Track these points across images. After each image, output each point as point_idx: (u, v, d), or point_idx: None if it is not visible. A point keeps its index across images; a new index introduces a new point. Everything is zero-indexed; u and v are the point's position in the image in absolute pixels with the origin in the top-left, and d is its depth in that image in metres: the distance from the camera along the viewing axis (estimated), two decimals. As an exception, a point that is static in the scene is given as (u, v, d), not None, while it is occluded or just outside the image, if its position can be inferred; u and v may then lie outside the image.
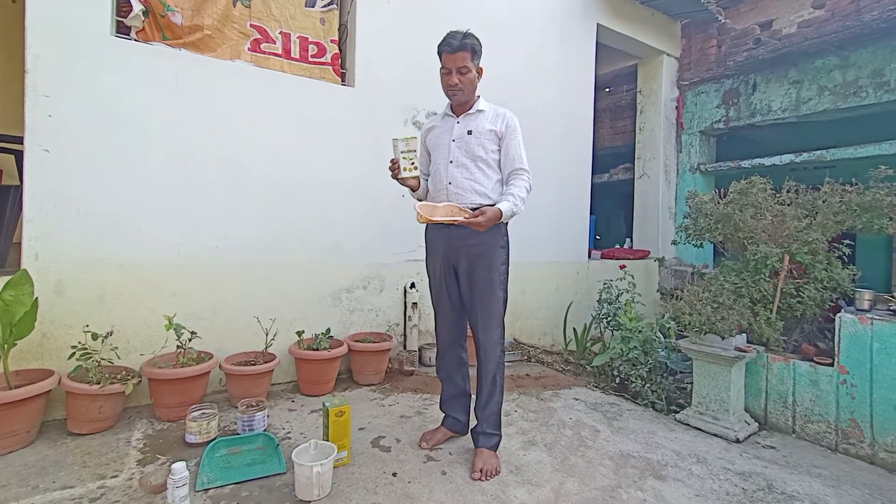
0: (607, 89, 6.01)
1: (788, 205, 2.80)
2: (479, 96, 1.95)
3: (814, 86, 3.87)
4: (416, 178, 1.88)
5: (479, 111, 1.92)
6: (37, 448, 1.87)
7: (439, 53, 1.86)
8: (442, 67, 1.87)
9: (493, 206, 1.78)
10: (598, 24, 4.26)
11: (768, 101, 4.17)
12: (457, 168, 1.88)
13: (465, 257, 1.88)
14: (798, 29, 4.04)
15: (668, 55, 4.83)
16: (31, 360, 2.09)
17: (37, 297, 1.95)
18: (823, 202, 2.72)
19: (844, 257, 2.63)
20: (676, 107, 4.93)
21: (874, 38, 3.47)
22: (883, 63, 3.48)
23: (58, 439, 1.94)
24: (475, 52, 1.84)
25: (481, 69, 1.91)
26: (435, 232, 1.97)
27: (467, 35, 1.81)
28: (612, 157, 5.75)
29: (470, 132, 1.89)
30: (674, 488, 1.80)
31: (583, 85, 4.24)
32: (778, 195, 2.88)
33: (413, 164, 1.83)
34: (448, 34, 1.83)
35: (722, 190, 3.07)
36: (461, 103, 1.92)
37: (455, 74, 1.82)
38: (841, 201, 2.64)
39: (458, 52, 1.80)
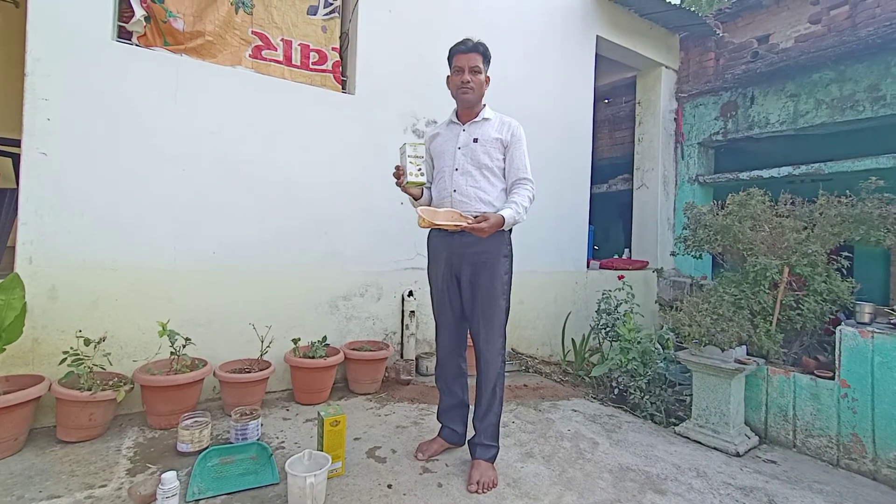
0: (606, 100, 6.05)
1: (786, 217, 2.81)
2: (485, 104, 1.96)
3: (811, 99, 3.90)
4: (422, 185, 1.89)
5: (486, 119, 1.92)
6: (24, 456, 1.83)
7: (451, 55, 1.90)
8: (453, 68, 1.90)
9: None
10: (597, 35, 4.30)
11: (766, 114, 4.20)
12: (462, 176, 1.88)
13: (468, 265, 1.86)
14: (795, 43, 4.09)
15: (666, 67, 4.87)
16: (22, 365, 2.05)
17: (25, 302, 1.93)
18: (820, 214, 2.72)
19: (843, 270, 2.63)
20: (675, 118, 4.96)
21: (870, 53, 3.51)
22: (879, 78, 3.51)
23: (46, 447, 1.90)
24: (486, 57, 1.89)
25: (488, 77, 1.93)
26: (438, 239, 1.96)
27: (480, 41, 1.88)
28: (611, 167, 5.77)
29: (476, 140, 1.89)
30: (674, 503, 1.77)
31: (582, 95, 4.26)
32: (775, 207, 2.89)
33: (420, 169, 1.85)
34: (460, 40, 1.88)
35: (720, 202, 3.08)
36: (469, 107, 1.92)
37: (467, 73, 1.85)
38: (838, 213, 2.65)
39: (472, 53, 1.85)
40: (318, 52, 3.06)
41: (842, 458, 2.24)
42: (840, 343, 2.31)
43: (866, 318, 2.40)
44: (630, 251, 5.07)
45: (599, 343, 3.69)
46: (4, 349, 1.90)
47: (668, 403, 2.82)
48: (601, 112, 5.89)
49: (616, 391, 2.99)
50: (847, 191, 2.72)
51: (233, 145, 2.60)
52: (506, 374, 1.98)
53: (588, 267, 4.35)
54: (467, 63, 1.85)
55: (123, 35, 2.45)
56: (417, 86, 3.23)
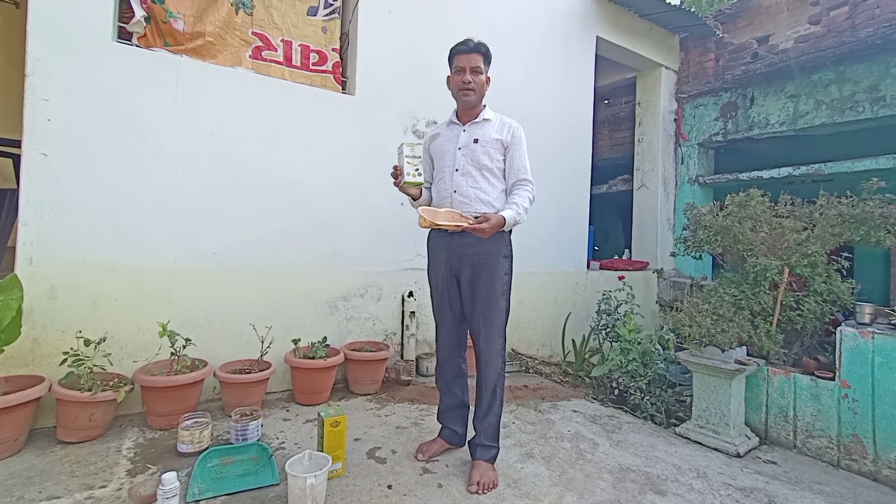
0: (606, 101, 6.05)
1: (786, 217, 2.81)
2: (485, 105, 1.96)
3: (811, 100, 3.91)
4: (419, 185, 1.89)
5: (486, 120, 1.93)
6: (24, 457, 1.83)
7: (452, 56, 1.90)
8: (454, 68, 1.90)
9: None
10: (597, 36, 4.30)
11: (766, 115, 4.20)
12: (462, 176, 1.88)
13: (468, 266, 1.86)
14: (795, 44, 4.09)
15: (666, 68, 4.88)
16: (22, 366, 2.05)
17: (22, 302, 1.92)
18: (820, 215, 2.72)
19: (843, 270, 2.63)
20: (675, 119, 4.96)
21: (870, 53, 3.51)
22: (878, 78, 3.51)
23: (46, 448, 1.90)
24: (487, 57, 1.89)
25: (489, 78, 1.93)
26: (437, 240, 1.96)
27: (481, 41, 1.88)
28: (611, 168, 5.77)
29: (476, 140, 1.89)
30: (674, 504, 1.77)
31: (582, 96, 4.27)
32: (775, 208, 2.89)
33: (417, 169, 1.85)
34: (461, 40, 1.88)
35: (720, 202, 3.08)
36: (469, 107, 1.92)
37: (469, 73, 1.85)
38: (838, 213, 2.65)
39: (473, 53, 1.86)
40: (318, 52, 3.06)
41: (842, 459, 2.24)
42: (840, 344, 2.30)
43: (866, 319, 2.40)
44: (630, 252, 5.07)
45: (599, 344, 3.69)
46: (3, 350, 1.89)
47: (668, 404, 2.82)
48: (601, 113, 5.90)
49: (616, 392, 2.98)
50: (848, 191, 2.72)
51: (233, 145, 2.60)
52: (506, 374, 1.98)
53: (588, 267, 4.35)
54: (468, 63, 1.85)
55: (124, 36, 2.45)
56: (417, 86, 3.23)
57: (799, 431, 2.40)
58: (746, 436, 2.43)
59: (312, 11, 3.05)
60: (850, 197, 2.68)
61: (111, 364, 2.15)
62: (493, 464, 1.88)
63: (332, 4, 3.12)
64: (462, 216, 1.75)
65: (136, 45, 2.44)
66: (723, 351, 2.42)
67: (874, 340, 2.20)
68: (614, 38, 4.40)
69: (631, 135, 5.33)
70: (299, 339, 2.65)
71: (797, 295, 2.64)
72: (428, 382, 2.97)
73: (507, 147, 1.90)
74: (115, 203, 2.28)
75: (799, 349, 2.71)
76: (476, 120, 1.93)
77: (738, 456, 2.26)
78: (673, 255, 4.17)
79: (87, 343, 2.04)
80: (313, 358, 2.59)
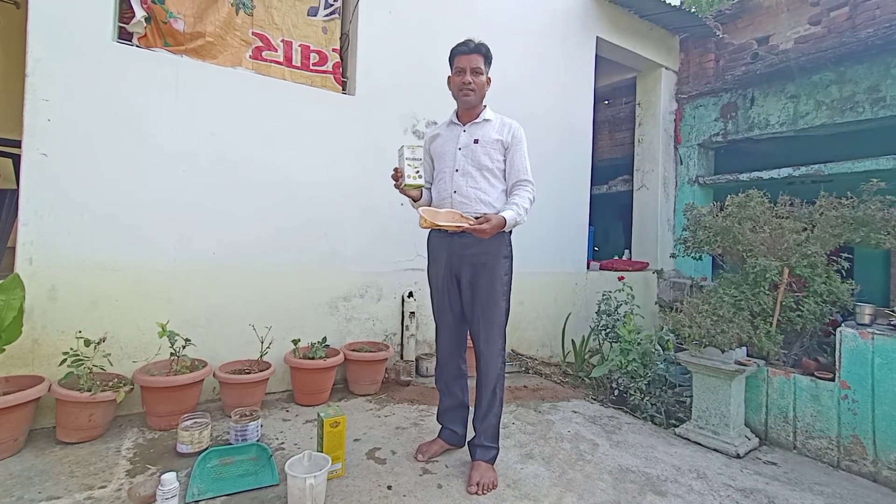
0: (606, 101, 6.05)
1: (786, 218, 2.81)
2: (485, 105, 1.96)
3: (811, 100, 3.91)
4: (420, 187, 1.89)
5: (486, 120, 1.93)
6: (23, 457, 1.83)
7: (452, 56, 1.91)
8: (455, 69, 1.90)
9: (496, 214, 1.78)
10: (597, 36, 4.30)
11: (766, 115, 4.20)
12: (462, 177, 1.88)
13: (468, 266, 1.86)
14: (795, 45, 4.09)
15: (666, 68, 4.88)
16: (22, 366, 2.05)
17: (23, 302, 1.92)
18: (820, 215, 2.72)
19: (843, 271, 2.62)
20: (675, 120, 4.96)
21: (870, 54, 3.51)
22: (879, 79, 3.52)
23: (45, 448, 1.90)
24: (488, 58, 1.89)
25: (489, 78, 1.93)
26: (438, 240, 1.96)
27: (481, 42, 1.88)
28: (611, 168, 5.77)
29: (476, 141, 1.89)
30: (674, 505, 1.77)
31: (582, 96, 4.27)
32: (775, 208, 2.89)
33: (418, 172, 1.85)
34: (462, 41, 1.88)
35: (720, 203, 3.08)
36: (470, 107, 1.93)
37: (469, 74, 1.85)
38: (839, 215, 2.65)
39: (473, 54, 1.86)
40: (318, 52, 3.06)
41: (842, 460, 2.24)
42: (840, 344, 2.30)
43: (866, 320, 2.40)
44: (630, 252, 5.07)
45: (599, 344, 3.69)
46: (4, 349, 1.90)
47: (668, 405, 2.82)
48: (601, 113, 5.90)
49: (616, 392, 2.98)
50: (848, 192, 2.72)
51: (232, 145, 2.60)
52: (506, 375, 1.98)
53: (588, 268, 4.35)
54: (469, 64, 1.85)
55: (124, 36, 2.45)
56: (417, 87, 3.23)
57: (799, 432, 2.40)
58: (746, 436, 2.43)
59: (313, 12, 3.05)
60: (851, 198, 2.68)
61: (111, 364, 2.15)
62: (492, 464, 1.88)
63: (332, 5, 3.12)
64: (462, 217, 1.75)
65: (137, 46, 2.44)
66: (723, 352, 2.42)
67: (874, 341, 2.20)
68: (614, 39, 4.40)
69: (631, 135, 5.33)
70: (299, 340, 2.65)
71: (797, 296, 2.63)
72: (428, 383, 2.97)
73: (507, 147, 1.90)
74: (115, 203, 2.28)
75: (799, 350, 2.71)
76: (476, 120, 1.93)
77: (738, 457, 2.26)
78: (673, 255, 4.17)
79: (87, 343, 2.04)
80: (313, 358, 2.59)
